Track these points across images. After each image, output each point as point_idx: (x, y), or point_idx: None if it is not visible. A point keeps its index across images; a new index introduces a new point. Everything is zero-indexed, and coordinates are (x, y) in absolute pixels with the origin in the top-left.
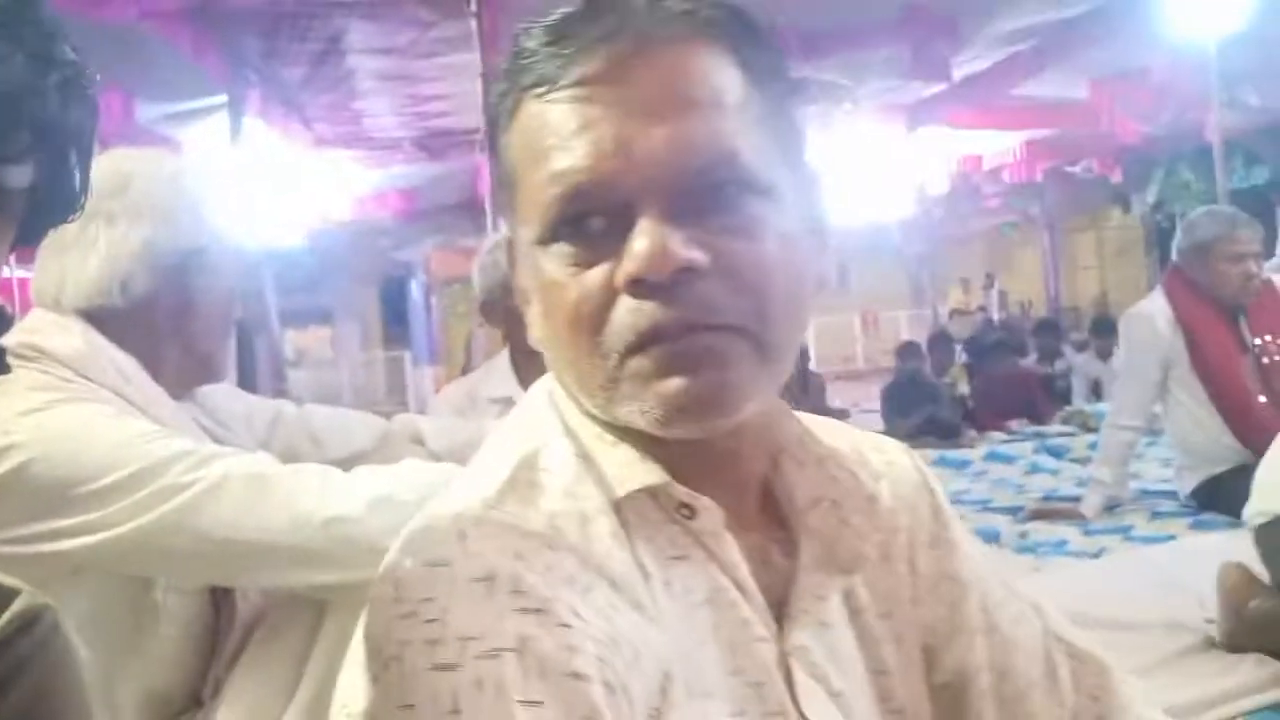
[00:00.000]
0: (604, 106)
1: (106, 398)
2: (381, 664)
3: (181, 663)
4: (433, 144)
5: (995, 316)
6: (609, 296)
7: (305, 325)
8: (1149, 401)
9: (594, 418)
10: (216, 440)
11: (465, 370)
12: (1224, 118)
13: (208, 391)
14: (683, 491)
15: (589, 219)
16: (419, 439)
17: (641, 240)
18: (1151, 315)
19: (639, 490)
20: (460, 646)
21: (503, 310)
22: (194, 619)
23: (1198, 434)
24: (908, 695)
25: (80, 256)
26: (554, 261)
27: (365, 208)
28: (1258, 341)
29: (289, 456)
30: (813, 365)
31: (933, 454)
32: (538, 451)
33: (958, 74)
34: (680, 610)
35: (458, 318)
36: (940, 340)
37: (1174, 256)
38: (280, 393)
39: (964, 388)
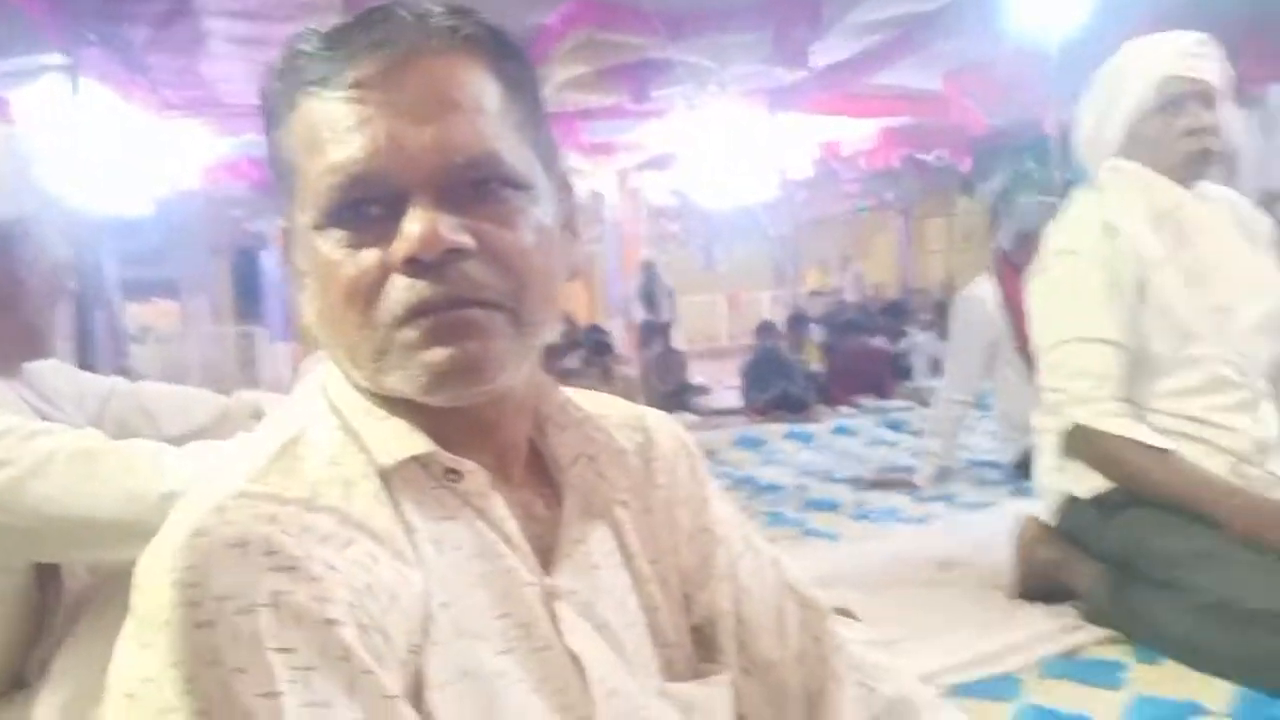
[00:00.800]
0: (377, 106)
1: None
2: (151, 630)
3: (5, 643)
4: None
5: (851, 297)
6: (382, 274)
7: (150, 298)
8: (977, 378)
9: (366, 396)
10: (44, 419)
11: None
12: (1062, 112)
13: (36, 369)
14: (448, 458)
15: (363, 206)
16: (260, 415)
17: (414, 224)
18: (980, 298)
19: (409, 459)
20: (217, 605)
21: None
22: (19, 598)
23: (1020, 408)
24: (674, 631)
25: None
26: (329, 243)
27: (216, 176)
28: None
29: (123, 433)
30: (677, 343)
31: (783, 428)
32: (303, 430)
33: (818, 61)
34: (451, 562)
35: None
36: (797, 320)
37: (1002, 243)
38: (122, 369)
39: (818, 365)
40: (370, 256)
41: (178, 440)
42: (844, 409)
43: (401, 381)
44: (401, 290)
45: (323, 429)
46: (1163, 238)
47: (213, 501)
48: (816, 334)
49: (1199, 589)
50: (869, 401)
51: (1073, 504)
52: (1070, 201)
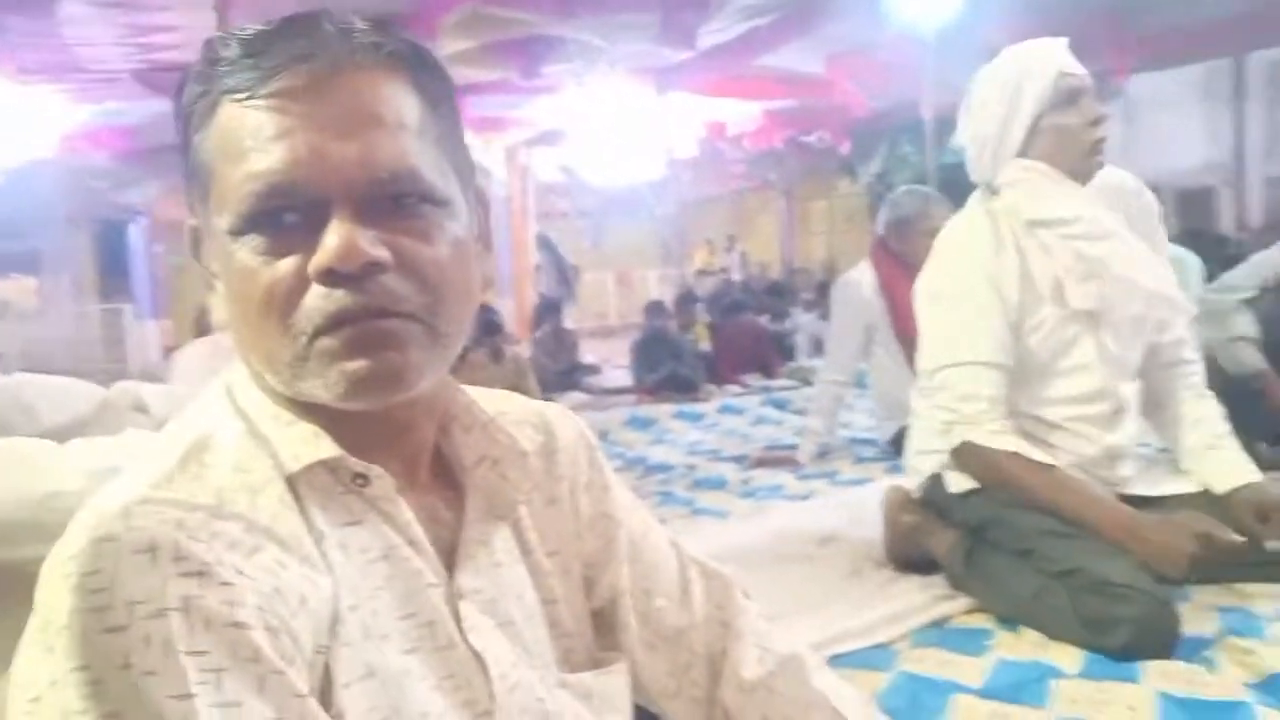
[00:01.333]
0: (300, 118)
1: None
2: (54, 634)
3: None
4: (158, 79)
5: (736, 277)
6: (300, 284)
7: (7, 273)
8: (856, 359)
9: (275, 399)
10: None
11: (202, 326)
12: (937, 97)
13: None
14: (356, 463)
15: (281, 214)
16: (141, 406)
17: (334, 237)
18: (858, 282)
19: (316, 464)
20: (128, 610)
21: None
22: None
23: (896, 388)
24: (573, 619)
25: None
26: (246, 250)
27: (75, 145)
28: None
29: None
30: (568, 323)
31: (673, 407)
32: (209, 435)
33: (704, 43)
34: (357, 566)
35: (184, 267)
36: (686, 299)
37: (879, 230)
38: None
39: (706, 344)
40: (288, 265)
41: (57, 433)
42: (731, 388)
43: (319, 389)
44: (320, 300)
45: (229, 433)
46: (1064, 247)
47: (118, 506)
48: (703, 313)
49: (1048, 559)
50: (755, 380)
51: (936, 479)
52: (966, 209)
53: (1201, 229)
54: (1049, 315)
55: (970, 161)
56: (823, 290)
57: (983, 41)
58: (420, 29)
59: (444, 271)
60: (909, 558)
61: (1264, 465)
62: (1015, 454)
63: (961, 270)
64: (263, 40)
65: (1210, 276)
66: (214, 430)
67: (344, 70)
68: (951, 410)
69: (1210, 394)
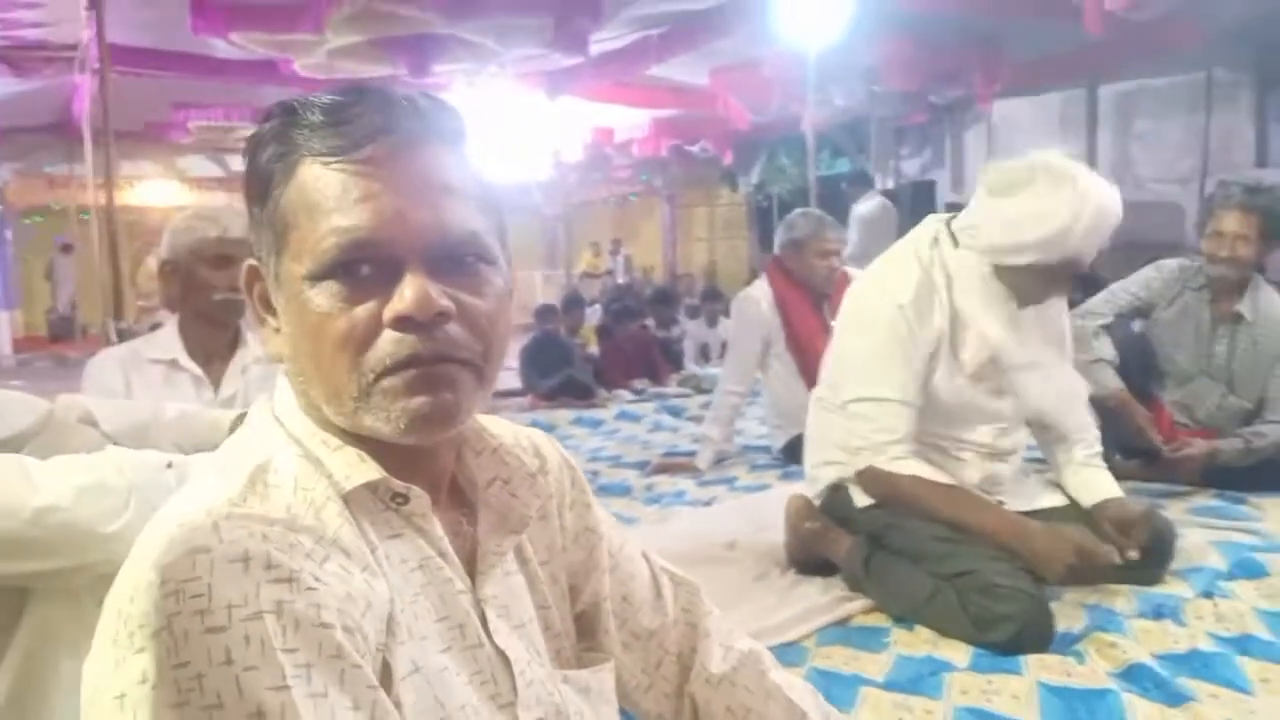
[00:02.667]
0: (384, 183)
1: None
2: (146, 637)
3: None
4: (17, 57)
5: (621, 280)
6: (375, 328)
7: None
8: (752, 370)
9: (320, 426)
10: None
11: (54, 322)
12: (816, 113)
13: None
14: (397, 484)
15: (359, 266)
16: (89, 420)
17: (411, 289)
18: (756, 298)
19: (362, 485)
20: (227, 613)
21: (183, 275)
22: None
23: (789, 398)
24: (561, 623)
25: None
26: (324, 295)
27: None
28: (835, 323)
29: None
30: None
31: (570, 413)
32: (269, 460)
33: (595, 50)
34: (400, 574)
35: (38, 253)
36: (573, 302)
37: (776, 249)
38: None
39: (594, 348)
40: (365, 310)
41: None
42: (624, 393)
43: (381, 422)
44: (392, 344)
45: (286, 457)
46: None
47: (207, 521)
48: (591, 317)
49: (940, 563)
50: (645, 386)
51: (835, 488)
52: (899, 249)
53: None
54: (953, 371)
55: (964, 223)
56: (706, 297)
57: (861, 62)
58: (308, 22)
59: (493, 322)
60: (810, 561)
61: (1120, 475)
62: (916, 477)
63: (889, 310)
64: (344, 110)
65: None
66: (272, 454)
67: (418, 144)
68: (864, 439)
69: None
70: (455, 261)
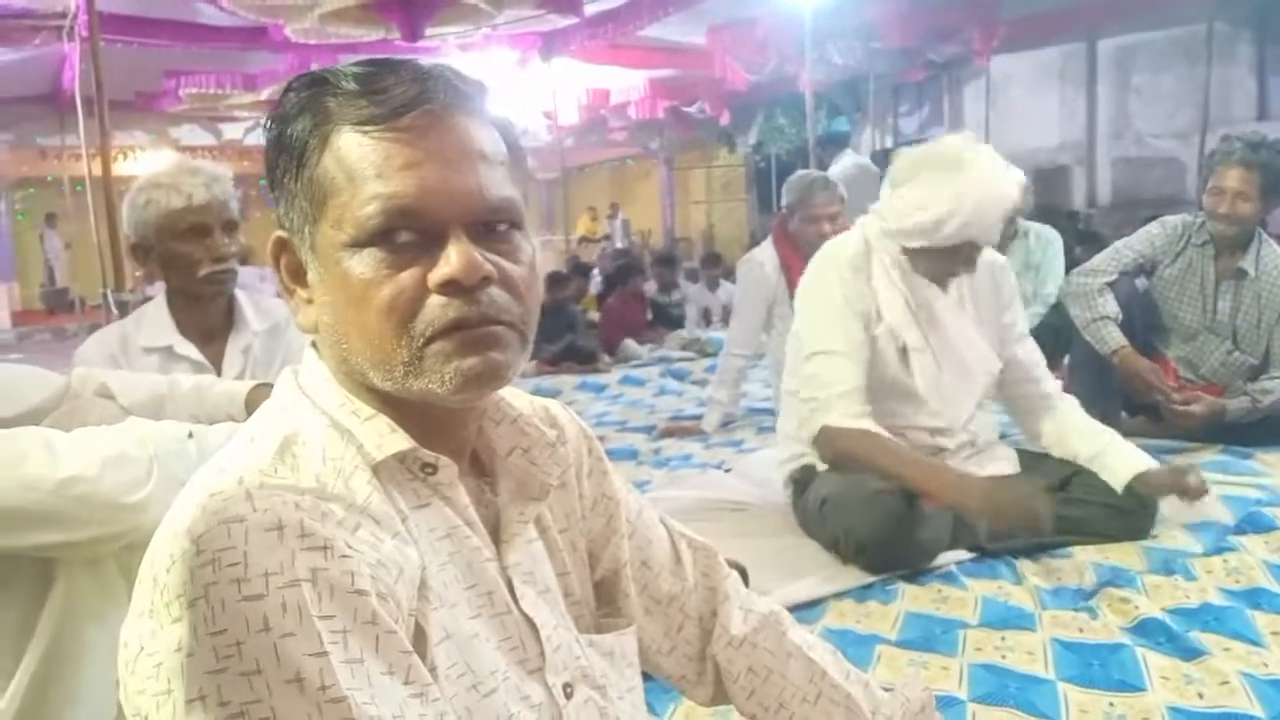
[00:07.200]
0: (426, 152)
1: None
2: (183, 606)
3: None
4: (4, 27)
5: (619, 244)
6: (421, 293)
7: None
8: (757, 333)
9: (349, 396)
10: None
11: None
12: (813, 72)
13: None
14: (427, 454)
15: (399, 233)
16: (106, 393)
17: (457, 254)
18: (761, 261)
19: (391, 455)
20: (264, 580)
21: (158, 255)
22: None
23: None
24: (580, 590)
25: None
26: (365, 263)
27: None
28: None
29: None
30: None
31: (575, 379)
32: (296, 431)
33: (590, 9)
34: (428, 542)
35: (32, 225)
36: (580, 269)
37: (782, 213)
38: None
39: (595, 314)
40: (410, 276)
41: (14, 421)
42: (630, 344)
43: (435, 384)
44: (439, 308)
45: (314, 428)
46: (918, 322)
47: (239, 491)
48: (593, 283)
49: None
50: (651, 351)
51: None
52: (860, 225)
53: (1054, 205)
54: (886, 333)
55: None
56: (705, 262)
57: (858, 19)
58: None
59: (529, 286)
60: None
61: (1126, 432)
62: (867, 431)
63: (831, 272)
64: (379, 79)
65: (1065, 249)
66: (300, 426)
67: (454, 113)
68: (814, 396)
69: (1068, 396)
70: (492, 228)
